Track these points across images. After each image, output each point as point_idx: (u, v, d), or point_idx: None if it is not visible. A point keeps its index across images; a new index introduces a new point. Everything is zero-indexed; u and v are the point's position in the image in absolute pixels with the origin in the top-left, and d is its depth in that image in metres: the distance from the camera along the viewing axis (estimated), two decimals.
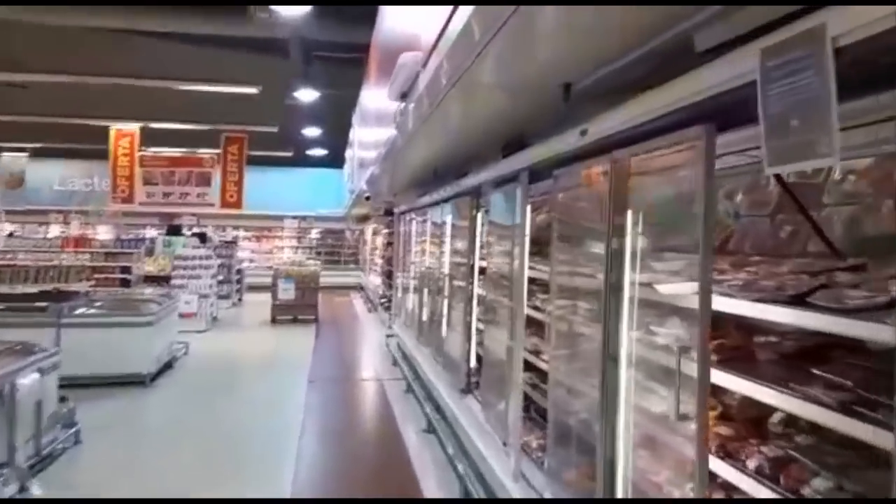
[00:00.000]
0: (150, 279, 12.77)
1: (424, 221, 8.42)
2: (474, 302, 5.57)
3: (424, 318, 8.12)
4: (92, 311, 8.20)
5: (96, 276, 12.82)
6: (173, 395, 7.77)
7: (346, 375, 9.19)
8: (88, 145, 16.91)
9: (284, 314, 14.05)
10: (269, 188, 21.94)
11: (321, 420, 6.94)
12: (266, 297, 14.08)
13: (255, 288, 20.01)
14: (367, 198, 10.00)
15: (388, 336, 11.27)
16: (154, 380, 8.19)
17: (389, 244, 14.90)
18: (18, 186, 19.16)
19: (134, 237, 14.95)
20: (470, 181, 5.45)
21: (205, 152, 15.60)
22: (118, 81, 11.39)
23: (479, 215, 5.51)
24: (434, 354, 6.92)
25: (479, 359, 5.53)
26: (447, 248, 6.78)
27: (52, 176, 20.65)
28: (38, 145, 18.80)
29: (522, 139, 4.42)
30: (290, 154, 20.13)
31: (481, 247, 5.49)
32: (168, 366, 8.98)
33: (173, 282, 12.53)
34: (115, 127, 14.81)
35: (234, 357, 10.18)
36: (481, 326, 5.50)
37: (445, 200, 6.67)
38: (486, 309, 4.94)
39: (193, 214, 22.06)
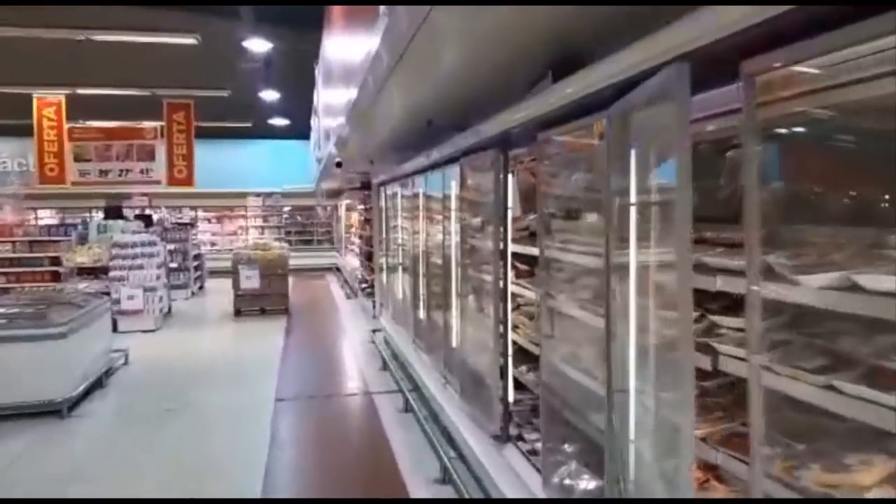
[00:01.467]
0: (86, 272, 10.78)
1: (414, 194, 6.63)
2: (508, 304, 3.83)
3: (421, 314, 6.38)
4: None
5: (16, 269, 10.80)
6: (95, 430, 5.94)
7: (324, 388, 7.42)
8: (18, 120, 14.67)
9: (250, 306, 12.19)
10: (228, 163, 19.88)
11: (292, 464, 5.19)
12: (227, 283, 12.18)
13: (218, 273, 18.04)
14: (339, 164, 8.16)
15: (373, 331, 9.51)
16: (75, 407, 6.34)
17: (367, 221, 13.07)
18: None
19: (67, 223, 12.88)
20: (493, 126, 3.68)
21: (147, 124, 13.46)
22: (37, 34, 9.26)
23: (511, 177, 3.76)
24: (442, 371, 5.19)
25: (517, 385, 3.83)
26: (452, 225, 5.02)
27: None
28: None
29: (579, 57, 2.70)
30: (248, 125, 18.05)
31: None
32: (98, 384, 7.12)
33: (112, 274, 10.57)
34: (38, 94, 12.60)
35: (184, 366, 8.34)
36: (519, 338, 3.78)
37: (449, 161, 4.89)
38: (543, 316, 3.21)
39: (144, 194, 19.96)
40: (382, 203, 9.26)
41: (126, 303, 10.53)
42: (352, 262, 16.57)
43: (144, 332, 10.58)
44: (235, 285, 12.12)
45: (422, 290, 6.41)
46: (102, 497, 4.44)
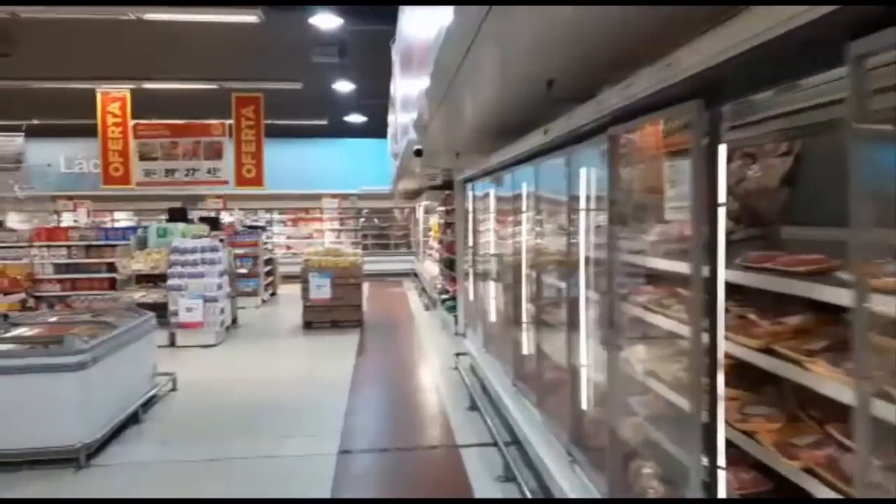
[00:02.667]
0: (144, 279, 9.84)
1: (517, 188, 5.07)
2: (719, 367, 2.22)
3: (526, 349, 4.83)
4: None
5: (72, 276, 10.00)
6: (114, 486, 4.71)
7: (399, 435, 5.97)
8: (88, 120, 14.16)
9: (320, 318, 10.99)
10: (303, 163, 19.00)
11: None
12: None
13: (292, 278, 17.11)
14: (418, 152, 6.69)
15: (457, 355, 8.03)
16: (97, 453, 5.16)
17: (448, 225, 11.62)
18: (16, 170, 16.62)
19: (126, 227, 12.16)
20: (691, 59, 2.08)
21: (215, 121, 12.53)
22: (83, 13, 8.35)
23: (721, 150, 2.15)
24: (567, 444, 3.59)
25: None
26: (582, 231, 3.45)
27: (55, 158, 18.10)
28: (33, 122, 16.22)
29: None
30: (324, 122, 17.02)
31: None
32: (133, 419, 5.96)
33: (169, 282, 9.57)
34: (102, 89, 11.88)
35: (238, 396, 7.12)
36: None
37: (579, 138, 3.31)
38: None
39: (219, 197, 19.36)
40: (469, 203, 7.78)
41: (184, 315, 9.51)
42: (430, 268, 15.19)
43: (204, 347, 9.53)
44: (305, 295, 10.94)
45: (526, 317, 4.86)
46: None
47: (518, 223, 5.00)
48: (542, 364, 4.30)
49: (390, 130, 14.22)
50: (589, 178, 3.37)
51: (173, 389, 7.19)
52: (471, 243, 7.81)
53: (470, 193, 7.70)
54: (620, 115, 2.73)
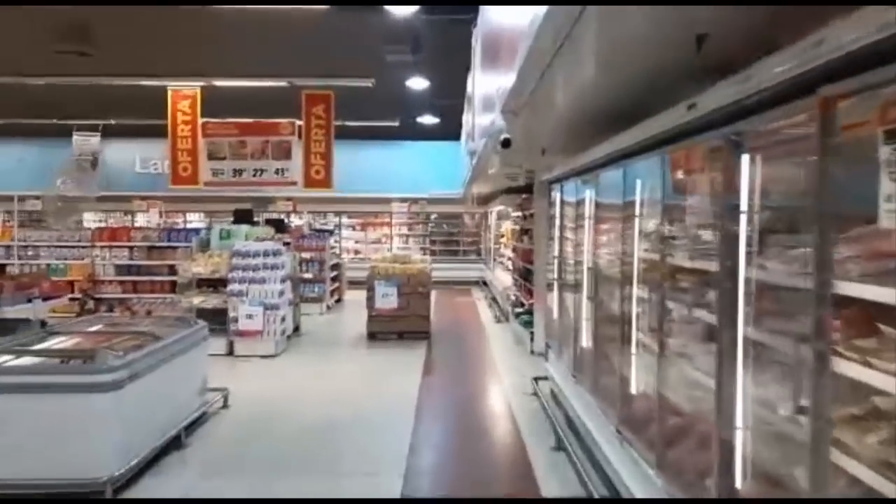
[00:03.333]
0: (205, 283, 9.35)
1: (623, 196, 4.10)
2: None
3: (634, 388, 3.86)
4: (12, 361, 4.60)
5: (134, 278, 9.63)
6: None
7: (470, 479, 5.09)
8: (163, 120, 14.02)
9: (385, 328, 10.26)
10: (373, 166, 18.44)
11: None
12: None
13: (359, 284, 16.53)
14: (506, 143, 5.74)
15: (536, 379, 7.09)
16: (128, 486, 4.51)
17: (524, 232, 10.69)
18: (92, 170, 16.79)
19: (189, 228, 11.82)
20: None
21: (284, 120, 12.05)
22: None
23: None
24: None
25: None
26: (740, 241, 2.48)
27: (130, 158, 18.23)
28: (109, 121, 16.33)
29: None
30: (395, 124, 16.39)
31: None
32: (175, 443, 5.32)
33: (229, 287, 9.04)
34: (173, 86, 11.59)
35: (294, 418, 6.42)
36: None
37: (768, 103, 2.33)
38: None
39: (289, 199, 19.08)
40: (556, 207, 6.82)
41: (244, 322, 8.96)
42: (502, 277, 14.28)
43: (263, 357, 8.95)
44: (370, 304, 10.24)
45: (637, 348, 3.89)
46: None
47: (627, 230, 4.03)
48: (662, 413, 3.34)
49: (464, 130, 13.42)
50: (755, 168, 2.40)
51: (225, 406, 6.56)
52: (556, 252, 6.85)
53: (556, 196, 6.76)
54: (842, 66, 1.76)
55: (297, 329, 10.74)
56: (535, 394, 6.95)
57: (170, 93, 11.73)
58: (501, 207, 14.54)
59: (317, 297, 13.21)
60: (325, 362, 8.94)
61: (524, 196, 11.18)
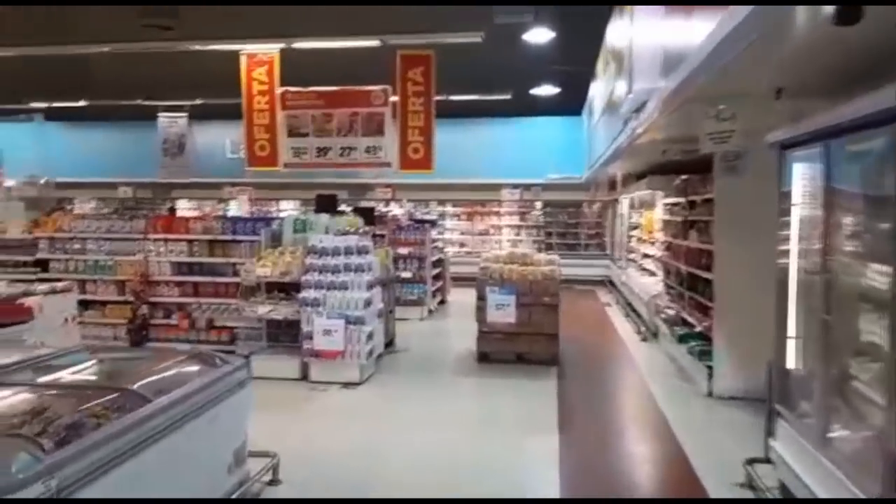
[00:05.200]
0: (276, 287, 7.37)
1: None
2: None
3: None
4: None
5: (195, 278, 7.83)
6: None
7: None
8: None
9: (500, 348, 7.91)
10: (480, 147, 16.12)
11: None
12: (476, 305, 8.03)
13: (465, 281, 14.32)
14: (846, 15, 3.00)
15: (749, 462, 4.47)
16: None
17: (690, 226, 7.98)
18: (179, 154, 15.52)
19: (257, 217, 9.96)
20: None
21: (375, 87, 9.87)
22: None
23: None
24: None
25: None
26: None
27: (220, 142, 16.89)
28: (196, 102, 14.97)
29: None
30: (507, 97, 13.95)
31: None
32: None
33: (303, 295, 6.99)
34: (248, 50, 9.74)
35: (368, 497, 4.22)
36: None
37: None
38: None
39: (388, 186, 17.14)
40: (815, 182, 4.10)
41: (320, 339, 6.89)
42: (641, 281, 11.54)
43: (344, 386, 6.85)
44: (481, 316, 7.91)
45: None
46: None
47: None
48: None
49: (596, 100, 10.78)
50: None
51: (273, 482, 4.43)
52: (795, 252, 4.18)
53: (800, 169, 4.09)
54: None
55: (390, 343, 8.62)
56: (750, 486, 4.36)
57: (243, 59, 9.87)
58: (638, 193, 11.77)
59: (416, 300, 11.07)
60: (421, 398, 6.69)
61: (683, 178, 8.46)
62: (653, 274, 11.56)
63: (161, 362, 3.97)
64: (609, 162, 9.23)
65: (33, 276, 7.94)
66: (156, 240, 7.90)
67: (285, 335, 7.45)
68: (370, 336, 7.04)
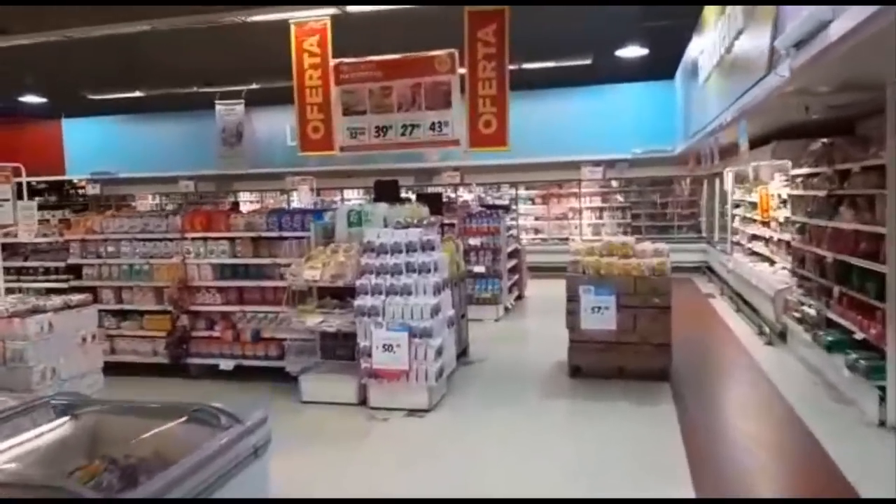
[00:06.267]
0: (329, 292, 6.22)
1: None
2: None
3: None
4: None
5: (238, 283, 6.80)
6: None
7: None
8: None
9: (597, 362, 6.51)
10: (557, 120, 14.55)
11: None
12: (561, 290, 6.63)
13: (542, 272, 12.96)
14: None
15: None
16: None
17: (839, 201, 6.30)
18: (237, 143, 14.74)
19: (306, 209, 8.80)
20: None
21: (439, 52, 8.53)
22: None
23: None
24: None
25: None
26: None
27: (280, 129, 16.01)
28: (253, 86, 14.09)
29: None
30: (587, 62, 12.33)
31: None
32: None
33: (358, 302, 5.80)
34: (297, 19, 8.61)
35: None
36: None
37: None
38: None
39: (456, 169, 15.82)
40: None
41: (379, 357, 5.69)
42: (750, 267, 9.82)
43: (409, 413, 5.65)
44: (572, 323, 6.52)
45: None
46: None
47: None
48: None
49: (700, 56, 9.09)
50: None
51: None
52: None
53: None
54: None
55: (463, 352, 7.37)
56: None
57: (293, 28, 8.75)
58: (754, 164, 9.99)
59: (491, 297, 9.75)
60: (504, 431, 5.37)
61: (826, 141, 6.76)
62: (768, 260, 9.82)
63: (143, 430, 2.83)
64: (724, 128, 7.58)
65: (65, 285, 7.14)
66: (194, 239, 6.89)
67: (343, 348, 6.31)
68: (439, 351, 5.79)
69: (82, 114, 17.15)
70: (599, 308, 6.38)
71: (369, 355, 5.76)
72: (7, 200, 5.19)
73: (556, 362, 6.97)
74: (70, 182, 18.89)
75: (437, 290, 5.89)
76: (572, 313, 6.52)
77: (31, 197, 17.34)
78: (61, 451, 2.96)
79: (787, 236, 8.62)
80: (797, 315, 7.33)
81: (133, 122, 17.34)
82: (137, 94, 14.47)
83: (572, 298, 6.50)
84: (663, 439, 4.98)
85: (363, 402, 5.89)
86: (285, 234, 6.74)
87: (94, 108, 15.88)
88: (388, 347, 5.69)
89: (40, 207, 17.86)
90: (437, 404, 5.85)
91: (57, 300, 5.27)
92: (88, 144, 17.71)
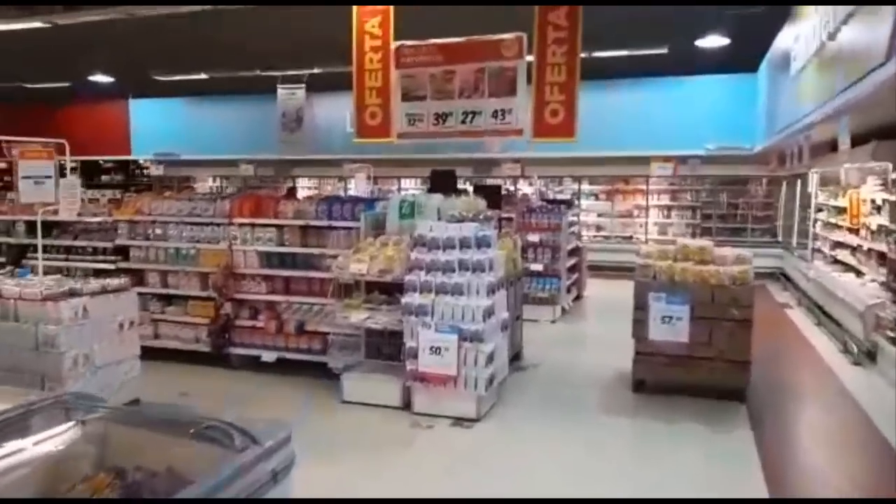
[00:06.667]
0: (378, 287, 5.86)
1: None
2: None
3: None
4: None
5: (286, 272, 6.51)
6: None
7: None
8: None
9: (664, 377, 5.94)
10: (626, 112, 13.86)
11: None
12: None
13: (603, 271, 12.33)
14: None
15: None
16: None
17: None
18: (297, 128, 14.59)
19: (361, 197, 8.43)
20: None
21: (506, 36, 8.02)
22: None
23: None
24: None
25: None
26: None
27: (340, 115, 15.76)
28: (315, 70, 13.91)
29: None
30: (663, 51, 11.60)
31: None
32: None
33: (406, 300, 5.40)
34: None
35: None
36: None
37: None
38: None
39: (516, 160, 15.27)
40: None
41: (427, 359, 5.30)
42: (834, 277, 8.95)
43: (455, 422, 5.23)
44: (639, 332, 5.96)
45: None
46: None
47: None
48: None
49: (793, 47, 8.27)
50: None
51: None
52: None
53: None
54: None
55: (517, 356, 6.90)
56: None
57: (355, 11, 8.37)
58: (848, 166, 9.09)
59: (548, 297, 9.22)
60: (558, 450, 4.89)
61: None
62: (854, 270, 8.95)
63: (152, 442, 2.49)
64: (819, 124, 6.81)
65: (112, 266, 7.02)
66: (241, 225, 6.63)
67: (388, 346, 5.94)
68: (490, 358, 5.34)
69: (148, 95, 17.39)
70: (671, 318, 5.79)
71: (415, 357, 5.37)
72: (49, 177, 5.00)
73: (618, 373, 6.42)
74: (135, 162, 19.24)
75: (492, 290, 5.43)
76: (640, 322, 5.95)
77: (98, 176, 17.81)
78: (66, 459, 2.66)
79: (880, 246, 7.78)
80: (891, 334, 6.54)
81: (196, 104, 17.49)
82: (202, 75, 14.54)
83: (640, 306, 5.93)
84: (739, 473, 4.40)
85: (407, 405, 5.50)
86: (335, 223, 6.39)
87: (160, 89, 16.05)
88: (435, 350, 5.28)
89: (106, 186, 18.54)
90: (486, 414, 5.41)
91: (95, 284, 5.08)
92: (153, 125, 17.96)
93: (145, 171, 19.20)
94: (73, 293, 4.87)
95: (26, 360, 4.77)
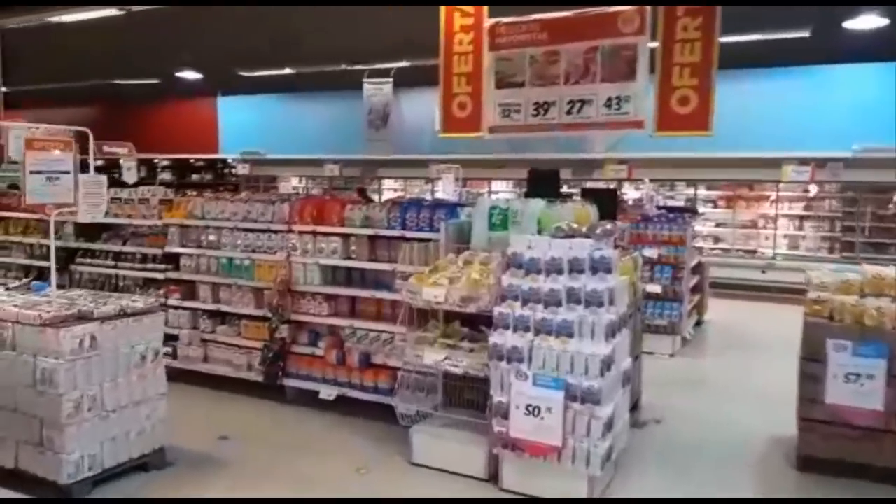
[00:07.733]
0: (459, 318, 4.61)
1: None
2: None
3: None
4: None
5: (351, 291, 5.37)
6: None
7: None
8: None
9: (845, 453, 4.33)
10: (754, 107, 11.99)
11: None
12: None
13: (720, 288, 10.53)
14: None
15: None
16: None
17: None
18: (383, 126, 13.64)
19: (443, 202, 7.14)
20: None
21: (626, 8, 6.55)
22: None
23: None
24: None
25: None
26: None
27: (428, 113, 14.66)
28: (402, 64, 12.93)
29: None
30: (804, 35, 9.76)
31: None
32: None
33: (494, 340, 4.10)
34: None
35: None
36: None
37: None
38: None
39: (622, 161, 13.58)
40: None
41: (520, 421, 3.97)
42: None
43: None
44: (809, 391, 4.38)
45: None
46: None
47: None
48: None
49: None
50: None
51: None
52: None
53: None
54: None
55: (634, 406, 5.43)
56: None
57: (442, 10, 7.15)
58: None
59: (666, 325, 7.66)
60: None
61: None
62: None
63: None
64: None
65: (161, 276, 6.14)
66: (301, 233, 5.56)
67: (472, 391, 4.67)
68: (609, 425, 3.95)
69: (235, 91, 17.04)
70: (859, 376, 4.20)
71: (505, 416, 4.06)
72: (66, 173, 4.08)
73: (772, 440, 4.87)
74: (224, 161, 18.98)
75: (612, 332, 4.04)
76: (811, 377, 4.38)
77: (189, 175, 17.53)
78: None
79: None
80: None
81: (282, 101, 16.97)
82: (287, 71, 13.89)
83: (814, 356, 4.36)
84: None
85: (494, 477, 4.21)
86: (408, 233, 5.19)
87: (246, 85, 15.59)
88: (533, 410, 3.95)
89: (196, 186, 18.33)
90: (602, 493, 4.03)
91: (111, 305, 4.10)
92: (240, 123, 17.61)
93: (233, 171, 18.91)
94: (81, 317, 3.91)
95: (23, 400, 3.85)
